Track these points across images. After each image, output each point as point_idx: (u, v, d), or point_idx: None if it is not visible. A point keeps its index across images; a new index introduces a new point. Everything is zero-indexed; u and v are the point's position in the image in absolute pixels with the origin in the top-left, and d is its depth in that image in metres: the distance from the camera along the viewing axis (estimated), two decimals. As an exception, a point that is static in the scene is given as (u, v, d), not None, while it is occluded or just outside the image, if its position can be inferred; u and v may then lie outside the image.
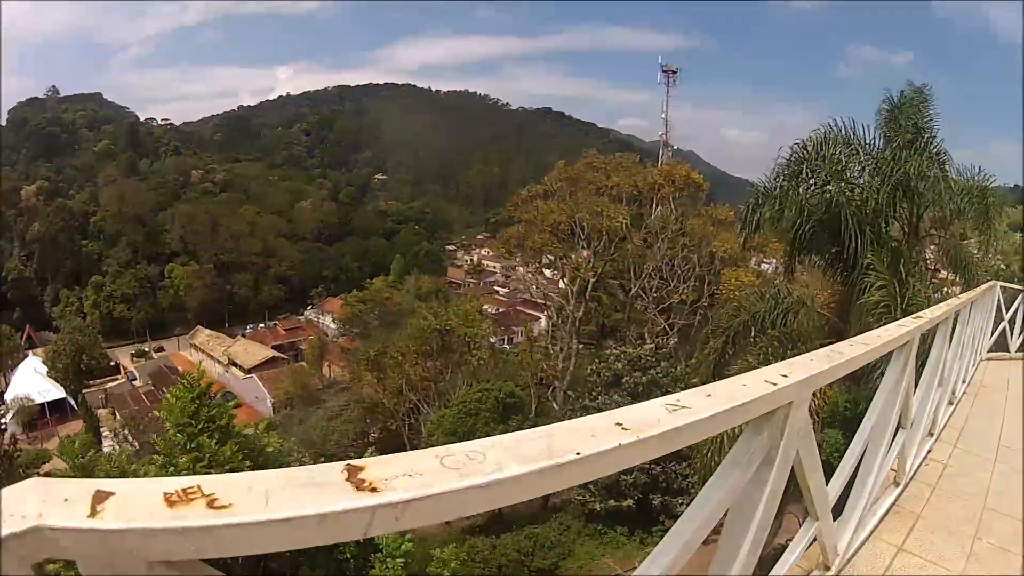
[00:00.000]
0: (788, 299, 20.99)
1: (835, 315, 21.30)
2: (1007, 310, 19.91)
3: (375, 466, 1.83)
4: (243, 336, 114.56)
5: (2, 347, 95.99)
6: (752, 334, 21.44)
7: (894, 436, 7.15)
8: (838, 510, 5.94)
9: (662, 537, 3.22)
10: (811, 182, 20.43)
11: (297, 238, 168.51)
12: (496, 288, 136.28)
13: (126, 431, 57.71)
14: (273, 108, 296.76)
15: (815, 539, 5.33)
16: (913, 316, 7.39)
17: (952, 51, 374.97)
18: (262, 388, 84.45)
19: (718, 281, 49.72)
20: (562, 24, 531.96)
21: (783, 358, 12.53)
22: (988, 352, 18.08)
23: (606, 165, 55.73)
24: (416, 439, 45.58)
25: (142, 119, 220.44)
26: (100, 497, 1.50)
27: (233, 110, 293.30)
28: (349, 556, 12.46)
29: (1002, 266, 41.95)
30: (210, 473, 10.34)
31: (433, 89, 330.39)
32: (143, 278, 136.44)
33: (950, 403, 11.63)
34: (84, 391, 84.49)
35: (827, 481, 5.40)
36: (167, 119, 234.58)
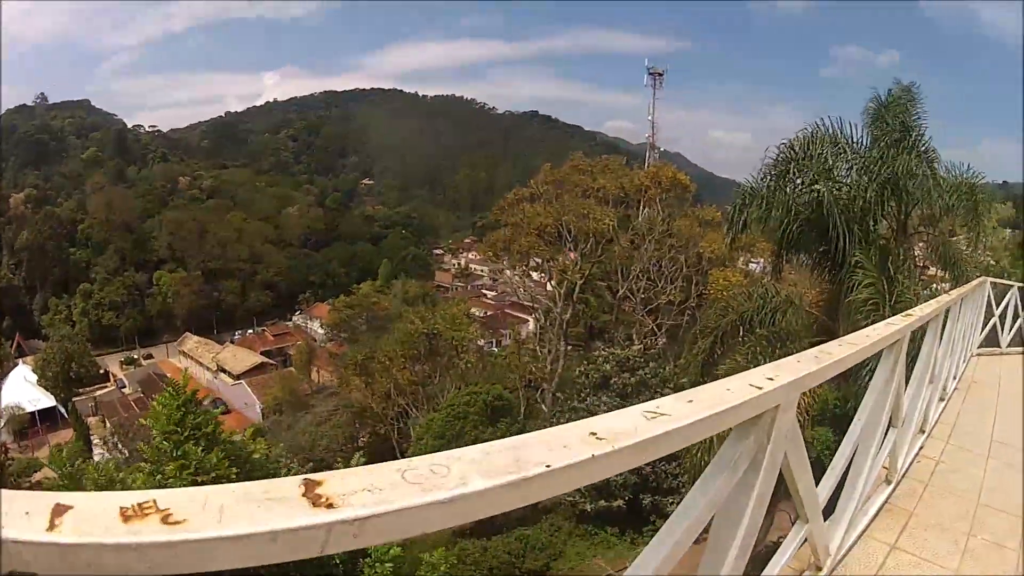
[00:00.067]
0: (776, 298, 21.08)
1: (824, 313, 21.45)
2: (997, 306, 19.93)
3: (333, 480, 1.76)
4: (231, 342, 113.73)
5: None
6: (740, 334, 21.48)
7: (885, 435, 7.09)
8: (829, 509, 5.89)
9: (653, 536, 3.14)
10: (798, 181, 20.55)
11: (284, 244, 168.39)
12: (484, 291, 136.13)
13: (116, 439, 57.30)
14: (260, 114, 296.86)
15: (806, 540, 5.27)
16: (903, 314, 7.33)
17: (939, 50, 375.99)
18: (251, 394, 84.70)
19: (706, 281, 49.68)
20: (549, 28, 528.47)
21: (772, 357, 12.69)
22: (979, 348, 18.14)
23: (592, 168, 55.74)
24: (405, 443, 45.74)
25: (130, 126, 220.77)
26: (59, 511, 1.47)
27: (220, 116, 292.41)
28: (338, 561, 12.34)
29: (991, 262, 42.26)
30: (197, 481, 10.57)
31: (420, 94, 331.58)
32: (131, 285, 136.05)
33: (941, 399, 11.61)
34: (74, 399, 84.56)
35: (818, 480, 5.35)
36: (154, 126, 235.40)
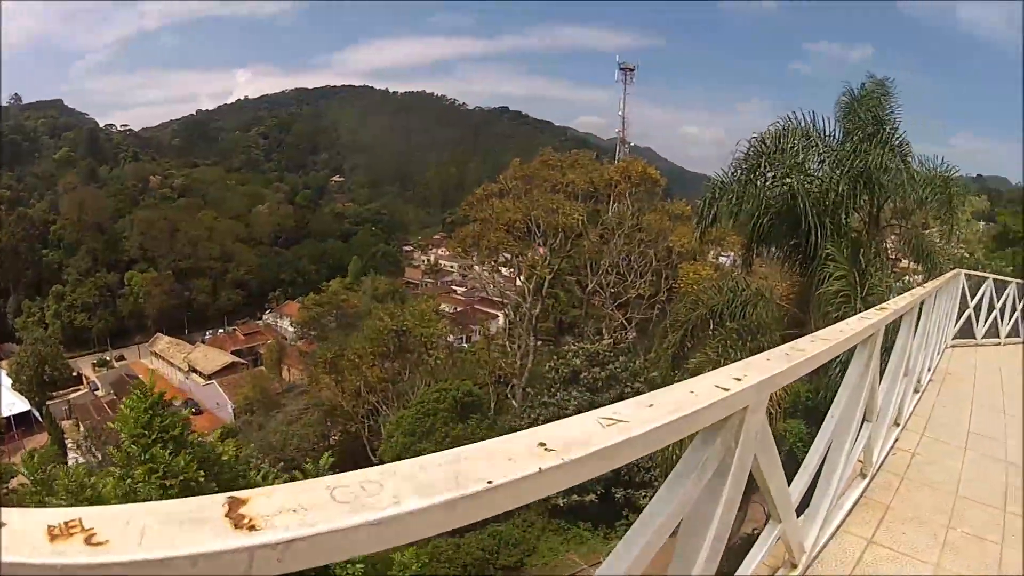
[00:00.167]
0: (746, 291, 20.96)
1: (795, 306, 21.52)
2: (972, 297, 20.16)
3: (259, 500, 1.64)
4: (203, 342, 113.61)
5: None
6: (711, 327, 21.36)
7: (859, 429, 6.97)
8: (804, 504, 5.81)
9: (626, 530, 3.02)
10: (770, 175, 20.56)
11: (255, 242, 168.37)
12: (454, 287, 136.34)
13: (89, 443, 56.99)
14: (231, 112, 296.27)
15: (780, 538, 5.16)
16: (877, 308, 7.20)
17: (914, 46, 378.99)
18: (223, 394, 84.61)
19: (676, 275, 49.80)
20: (520, 24, 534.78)
21: (743, 350, 12.92)
22: (953, 339, 18.31)
23: (562, 163, 55.79)
24: (376, 441, 45.66)
25: (102, 125, 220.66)
26: (-7, 527, 1.39)
27: (192, 115, 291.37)
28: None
29: (965, 254, 42.21)
30: (166, 485, 10.49)
31: (390, 90, 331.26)
32: (103, 286, 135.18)
33: (916, 391, 11.62)
34: (48, 403, 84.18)
35: (792, 475, 5.31)
36: (126, 125, 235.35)
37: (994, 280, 21.95)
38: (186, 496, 10.80)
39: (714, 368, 12.21)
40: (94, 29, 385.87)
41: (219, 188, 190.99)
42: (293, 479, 14.58)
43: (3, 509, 1.44)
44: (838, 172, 19.55)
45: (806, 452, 6.07)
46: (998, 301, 21.47)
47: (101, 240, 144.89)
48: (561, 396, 37.62)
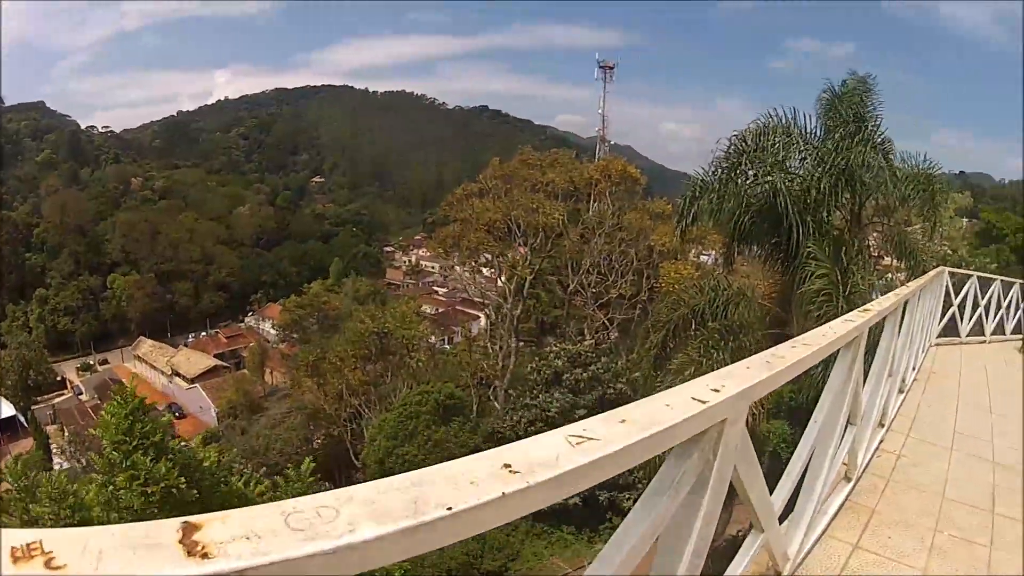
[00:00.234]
0: (728, 291, 20.84)
1: (776, 305, 21.46)
2: (956, 295, 20.35)
3: (213, 525, 1.58)
4: (185, 345, 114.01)
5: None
6: (692, 327, 21.08)
7: (843, 433, 6.90)
8: (788, 509, 5.74)
9: (610, 534, 2.93)
10: (751, 173, 20.49)
11: (236, 244, 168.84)
12: (435, 288, 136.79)
13: (73, 448, 56.91)
14: (212, 112, 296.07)
15: (763, 547, 5.03)
16: (860, 310, 7.17)
17: (895, 42, 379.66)
18: (206, 398, 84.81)
19: (657, 274, 49.50)
20: (499, 22, 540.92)
21: (725, 351, 12.89)
22: (937, 338, 18.46)
23: (541, 162, 55.39)
24: (359, 444, 45.30)
25: (83, 127, 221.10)
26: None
27: (172, 115, 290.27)
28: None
29: (949, 251, 42.34)
30: (147, 492, 10.48)
31: (370, 90, 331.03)
32: (86, 289, 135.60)
33: (900, 391, 11.61)
34: (33, 407, 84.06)
35: (776, 479, 5.30)
36: (108, 126, 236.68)
37: (978, 278, 22.03)
38: (168, 503, 10.83)
39: (696, 369, 12.35)
40: (76, 30, 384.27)
41: (200, 190, 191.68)
42: (275, 485, 14.47)
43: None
44: (819, 169, 19.47)
45: (790, 453, 6.00)
46: (983, 298, 21.59)
47: (83, 243, 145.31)
48: (543, 398, 37.56)
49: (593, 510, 34.89)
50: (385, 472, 34.50)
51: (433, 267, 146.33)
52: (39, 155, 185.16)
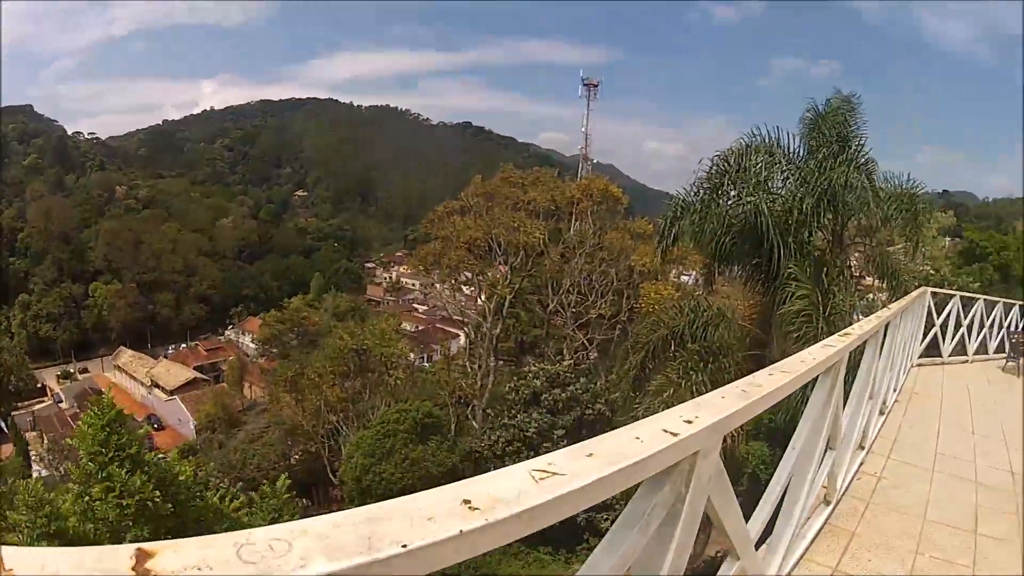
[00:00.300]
0: (708, 312, 21.06)
1: (757, 326, 21.45)
2: (938, 315, 20.55)
3: (166, 554, 1.56)
4: (165, 357, 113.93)
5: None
6: (672, 348, 21.24)
7: (822, 459, 6.88)
8: (766, 533, 5.70)
9: (587, 555, 2.98)
10: (732, 194, 20.46)
11: (218, 256, 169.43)
12: (415, 305, 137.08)
13: (51, 456, 56.72)
14: (197, 122, 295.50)
15: (740, 573, 4.88)
16: (840, 334, 7.10)
17: (881, 60, 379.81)
18: (185, 410, 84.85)
19: (637, 295, 49.40)
20: (483, 38, 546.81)
21: (704, 372, 13.01)
22: (919, 357, 18.59)
23: (523, 180, 55.37)
24: (337, 460, 45.32)
25: (70, 133, 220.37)
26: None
27: (158, 124, 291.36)
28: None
29: (931, 271, 42.31)
30: (123, 504, 10.65)
31: (355, 104, 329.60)
32: (68, 297, 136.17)
33: (881, 413, 11.64)
34: (13, 413, 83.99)
35: (756, 498, 5.38)
36: (93, 133, 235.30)
37: (961, 297, 22.32)
38: (143, 516, 10.76)
39: (675, 390, 12.31)
40: (66, 33, 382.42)
41: (183, 200, 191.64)
42: (251, 501, 14.35)
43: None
44: (802, 190, 19.52)
45: (769, 474, 5.94)
46: (965, 318, 21.78)
47: (67, 250, 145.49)
48: (521, 418, 37.30)
49: (570, 530, 34.44)
50: (363, 490, 34.07)
51: (414, 284, 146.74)
52: (26, 159, 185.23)
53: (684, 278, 54.50)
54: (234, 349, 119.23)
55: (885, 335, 9.93)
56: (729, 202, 20.36)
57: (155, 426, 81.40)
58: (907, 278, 22.34)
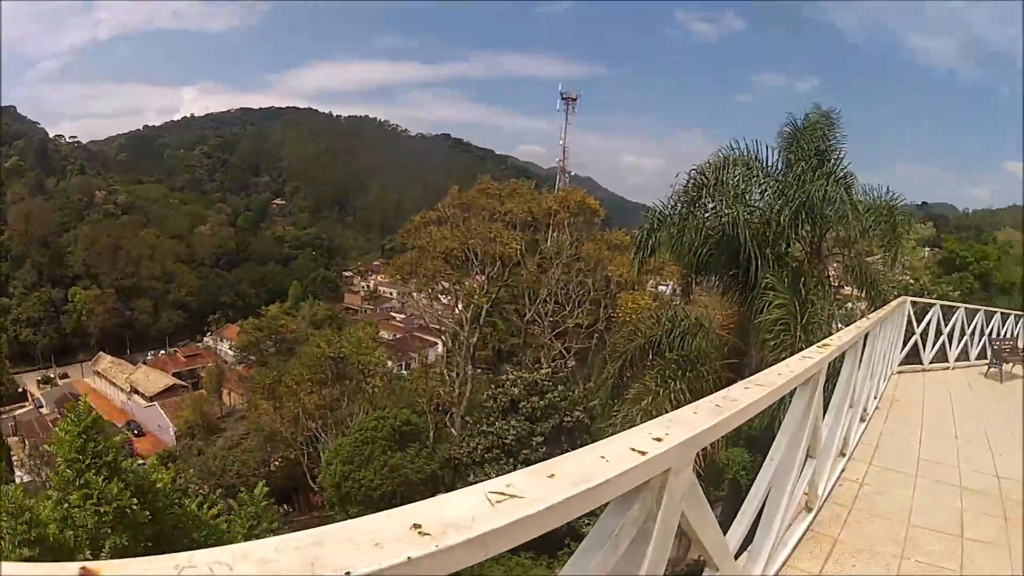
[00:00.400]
0: (685, 322, 21.16)
1: (734, 335, 21.59)
2: (918, 324, 20.67)
3: (107, 573, 1.49)
4: (144, 363, 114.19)
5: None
6: (650, 357, 21.30)
7: (803, 468, 6.80)
8: (748, 539, 5.63)
9: (568, 559, 2.87)
10: (710, 206, 20.69)
11: (196, 263, 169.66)
12: (393, 314, 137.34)
13: (32, 462, 56.45)
14: (177, 129, 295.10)
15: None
16: (819, 345, 7.07)
17: (861, 75, 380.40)
18: (164, 416, 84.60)
19: (614, 304, 49.39)
20: (463, 51, 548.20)
21: (682, 380, 13.10)
22: (900, 365, 18.66)
23: (500, 191, 55.44)
24: (316, 467, 45.40)
25: (52, 135, 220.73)
26: None
27: (138, 129, 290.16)
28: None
29: (911, 280, 43.02)
30: (100, 511, 10.70)
31: (334, 114, 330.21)
32: (47, 301, 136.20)
33: (862, 420, 11.61)
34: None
35: (737, 505, 5.33)
36: (75, 137, 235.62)
37: (941, 306, 22.51)
38: (121, 523, 10.68)
39: (653, 399, 12.19)
40: (51, 35, 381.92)
41: (162, 206, 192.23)
42: (230, 508, 14.27)
43: None
44: (780, 202, 19.69)
45: (749, 480, 5.91)
46: (946, 326, 21.88)
47: (47, 254, 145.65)
48: (500, 425, 37.14)
49: (551, 534, 34.41)
50: (343, 496, 34.14)
51: (391, 293, 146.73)
52: (7, 161, 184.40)
53: (662, 288, 55.11)
54: (212, 356, 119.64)
55: (865, 344, 9.91)
56: (707, 214, 20.69)
57: (135, 432, 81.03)
58: (886, 288, 22.85)
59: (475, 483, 2.44)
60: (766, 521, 5.91)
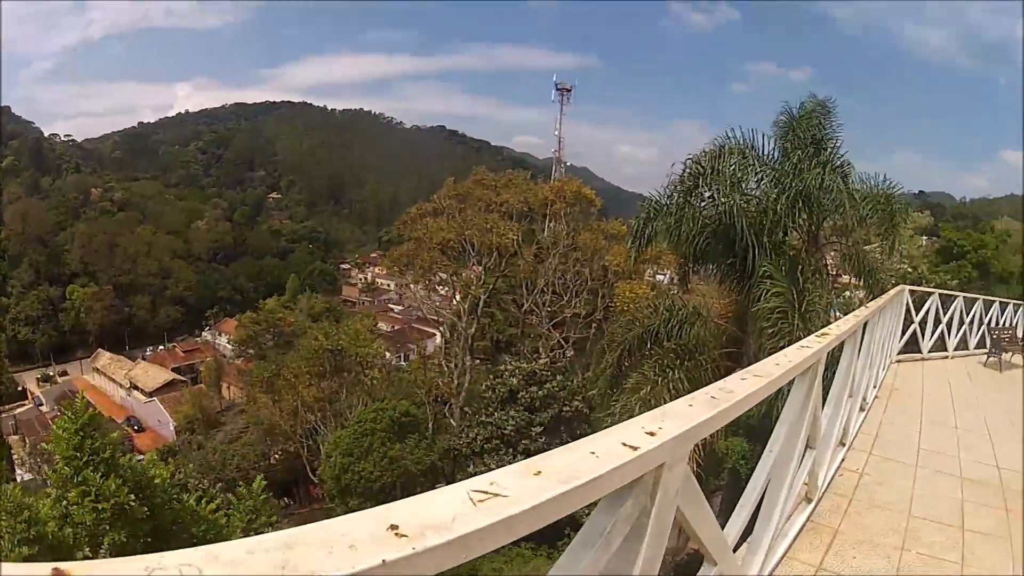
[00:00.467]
0: (683, 310, 21.24)
1: (732, 324, 21.56)
2: (917, 312, 20.59)
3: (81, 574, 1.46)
4: (143, 359, 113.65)
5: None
6: (648, 346, 21.39)
7: (802, 459, 6.74)
8: (747, 531, 5.59)
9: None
10: (706, 195, 20.70)
11: (193, 258, 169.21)
12: (390, 306, 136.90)
13: (32, 460, 56.52)
14: (172, 125, 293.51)
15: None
16: (818, 334, 6.95)
17: (856, 65, 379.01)
18: (164, 412, 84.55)
19: (612, 294, 49.81)
20: (458, 43, 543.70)
21: (680, 369, 13.00)
22: (899, 354, 18.67)
23: (496, 182, 55.51)
24: (316, 459, 45.46)
25: (47, 135, 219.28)
26: None
27: (133, 127, 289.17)
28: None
29: (908, 269, 43.20)
30: (98, 508, 10.64)
31: (328, 107, 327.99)
32: (45, 300, 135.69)
33: (861, 409, 11.55)
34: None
35: (736, 495, 5.34)
36: (69, 135, 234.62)
37: (940, 295, 22.52)
38: (119, 520, 10.65)
39: (652, 388, 12.11)
40: (44, 35, 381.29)
41: (158, 203, 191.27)
42: (228, 502, 14.24)
43: None
44: (776, 191, 19.67)
45: (749, 469, 5.88)
46: (944, 315, 21.92)
47: (44, 253, 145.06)
48: (499, 416, 37.23)
49: (551, 525, 34.43)
50: (342, 488, 34.15)
51: (388, 285, 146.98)
52: (3, 162, 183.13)
53: (659, 277, 54.96)
54: (211, 350, 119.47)
55: (864, 333, 9.84)
56: (703, 203, 20.70)
57: (135, 428, 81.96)
58: (884, 276, 22.47)
59: (475, 473, 2.41)
60: (766, 512, 5.86)
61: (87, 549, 10.85)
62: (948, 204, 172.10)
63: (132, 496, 10.79)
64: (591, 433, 3.00)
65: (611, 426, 3.08)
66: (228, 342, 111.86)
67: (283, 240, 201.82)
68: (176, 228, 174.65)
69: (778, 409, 6.18)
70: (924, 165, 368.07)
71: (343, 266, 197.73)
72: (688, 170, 20.32)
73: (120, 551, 10.58)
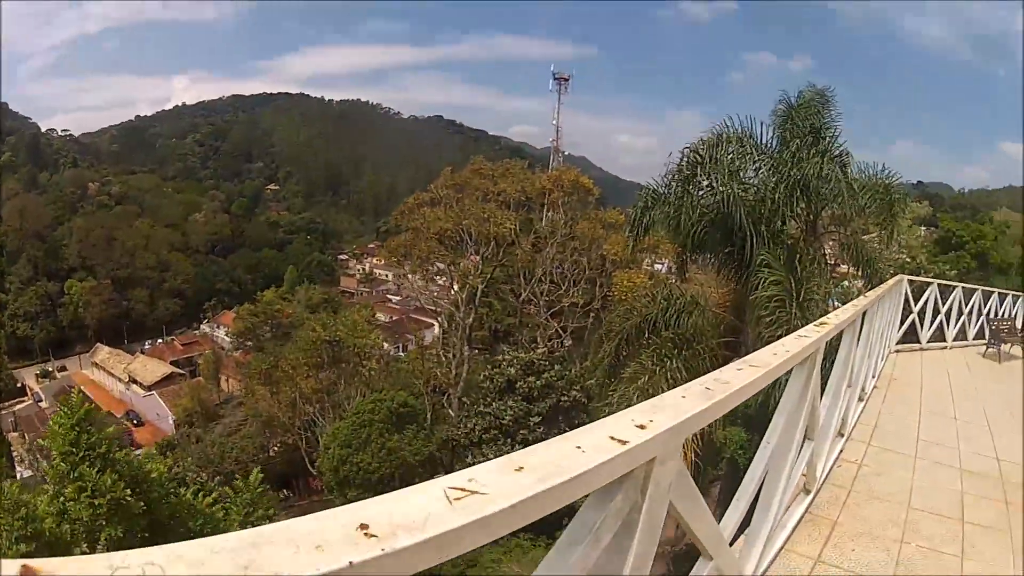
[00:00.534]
0: (681, 300, 21.09)
1: (730, 313, 21.50)
2: (915, 302, 20.73)
3: (46, 572, 1.45)
4: (142, 352, 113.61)
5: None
6: (646, 335, 21.33)
7: (800, 450, 6.67)
8: (745, 522, 5.52)
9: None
10: (704, 184, 20.55)
11: (191, 251, 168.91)
12: (388, 296, 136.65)
13: (32, 457, 56.36)
14: (169, 118, 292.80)
15: (715, 572, 4.63)
16: (816, 323, 6.89)
17: (854, 56, 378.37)
18: (163, 405, 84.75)
19: (610, 283, 49.84)
20: (455, 33, 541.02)
21: (678, 358, 12.96)
22: (897, 344, 18.74)
23: (494, 172, 55.37)
24: (314, 451, 45.44)
25: (44, 130, 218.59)
26: None
27: (130, 120, 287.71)
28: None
29: (907, 259, 42.85)
30: (95, 504, 10.58)
31: (326, 98, 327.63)
32: (44, 295, 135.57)
33: (860, 399, 11.50)
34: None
35: (735, 484, 5.26)
36: (67, 130, 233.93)
37: (939, 285, 22.57)
38: (116, 515, 10.68)
39: (650, 377, 12.06)
40: (41, 31, 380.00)
41: (155, 196, 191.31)
42: (226, 495, 14.22)
43: None
44: (774, 179, 19.63)
45: (747, 459, 5.82)
46: (943, 305, 22.03)
47: (42, 248, 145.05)
48: (497, 406, 37.34)
49: (544, 518, 34.37)
50: (341, 480, 34.14)
51: (386, 275, 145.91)
52: (1, 158, 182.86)
53: (657, 266, 54.59)
54: (209, 343, 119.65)
55: (863, 323, 9.82)
56: (701, 192, 20.56)
57: (134, 422, 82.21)
58: (883, 266, 22.61)
59: (473, 463, 2.35)
60: (763, 504, 5.83)
61: (84, 545, 10.81)
62: (947, 195, 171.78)
63: (128, 491, 10.75)
64: (589, 423, 2.92)
65: (609, 415, 3.04)
66: (226, 334, 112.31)
67: (281, 232, 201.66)
68: (174, 221, 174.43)
69: (776, 399, 6.14)
70: (923, 156, 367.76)
71: (341, 257, 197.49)
72: (686, 159, 20.24)
73: (117, 546, 10.51)
